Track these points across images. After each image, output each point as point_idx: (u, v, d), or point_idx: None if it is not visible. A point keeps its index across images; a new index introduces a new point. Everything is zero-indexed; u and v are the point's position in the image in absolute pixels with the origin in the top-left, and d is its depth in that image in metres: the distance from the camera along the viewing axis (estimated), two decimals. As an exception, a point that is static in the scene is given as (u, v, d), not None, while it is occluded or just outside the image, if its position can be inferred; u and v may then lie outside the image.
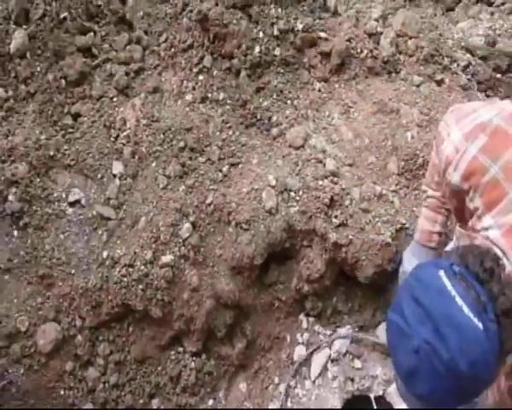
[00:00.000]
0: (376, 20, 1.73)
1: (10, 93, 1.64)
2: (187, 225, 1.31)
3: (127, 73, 1.68)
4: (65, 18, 1.87)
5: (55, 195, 1.37)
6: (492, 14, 1.80)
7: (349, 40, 1.63)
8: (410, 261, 1.08)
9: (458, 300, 0.62)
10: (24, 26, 1.83)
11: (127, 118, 1.48)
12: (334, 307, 1.39)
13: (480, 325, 0.61)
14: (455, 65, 1.59)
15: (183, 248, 1.30)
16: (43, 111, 1.59)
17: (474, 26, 1.71)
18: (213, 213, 1.34)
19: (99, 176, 1.41)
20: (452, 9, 1.88)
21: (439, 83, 1.54)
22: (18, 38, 1.77)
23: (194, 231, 1.32)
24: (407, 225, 1.29)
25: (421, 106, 1.45)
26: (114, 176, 1.41)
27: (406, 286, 0.68)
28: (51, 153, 1.43)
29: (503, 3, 1.82)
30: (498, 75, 1.60)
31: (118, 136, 1.46)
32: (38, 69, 1.68)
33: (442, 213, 1.03)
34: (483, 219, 0.77)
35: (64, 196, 1.38)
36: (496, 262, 0.68)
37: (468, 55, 1.62)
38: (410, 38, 1.65)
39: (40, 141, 1.47)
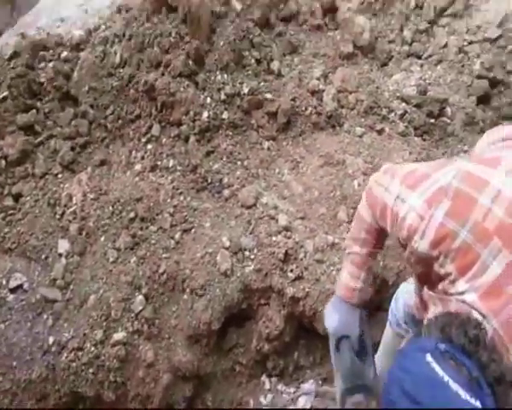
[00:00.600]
0: (318, 78, 2.02)
1: None
2: (139, 298, 1.36)
3: (73, 148, 1.80)
4: (5, 97, 2.04)
5: None
6: (422, 65, 2.16)
7: (293, 99, 1.88)
8: (332, 318, 1.09)
9: (452, 384, 0.64)
10: None
11: (73, 194, 1.57)
12: (295, 362, 1.42)
13: (478, 404, 0.64)
14: (392, 114, 1.86)
15: (136, 322, 1.33)
16: (-19, 196, 1.65)
17: (407, 78, 2.04)
18: (167, 283, 1.39)
19: (43, 257, 1.46)
20: (386, 64, 2.23)
21: (380, 132, 1.78)
22: None
23: (148, 303, 1.36)
24: None
25: (364, 155, 1.66)
26: (60, 255, 1.46)
27: (395, 379, 0.70)
28: (-10, 238, 1.48)
29: (430, 56, 2.20)
30: (432, 120, 1.89)
31: (63, 213, 1.54)
32: (-24, 151, 1.78)
33: (365, 270, 1.08)
34: (457, 284, 0.80)
35: (4, 282, 1.40)
36: (478, 328, 0.72)
37: (404, 104, 1.91)
38: (350, 92, 1.93)
39: (-22, 226, 1.52)
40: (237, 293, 1.35)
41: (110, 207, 1.53)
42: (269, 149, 1.72)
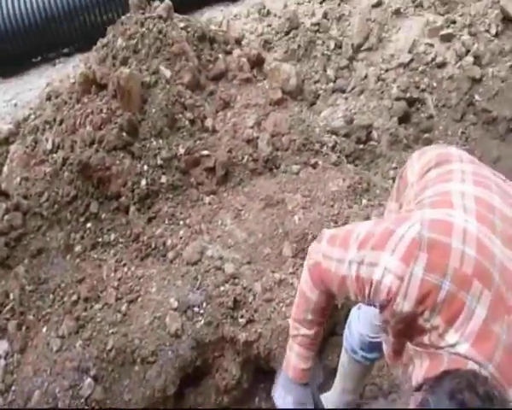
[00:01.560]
0: (251, 127, 2.31)
1: None
2: (88, 382, 1.42)
3: (7, 244, 1.91)
4: None
5: None
6: (347, 98, 2.54)
7: (230, 151, 2.13)
8: (285, 400, 1.11)
9: None
10: None
11: (10, 290, 1.66)
12: (257, 408, 1.48)
13: None
14: (324, 147, 2.15)
15: (86, 408, 1.36)
16: None
17: (334, 112, 2.39)
18: (116, 358, 1.47)
19: None
20: (314, 103, 2.60)
21: (314, 166, 2.04)
22: None
23: (97, 384, 1.42)
24: None
25: (302, 190, 1.89)
26: None
27: None
28: None
29: (353, 88, 2.60)
30: (361, 146, 2.20)
31: (0, 312, 1.61)
32: None
33: (314, 350, 1.11)
34: (446, 337, 0.84)
35: None
36: (485, 382, 0.76)
37: (334, 136, 2.22)
38: (283, 135, 2.22)
39: None
40: (190, 351, 1.44)
41: (51, 295, 1.62)
42: (210, 203, 1.92)
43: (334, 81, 2.66)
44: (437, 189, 1.03)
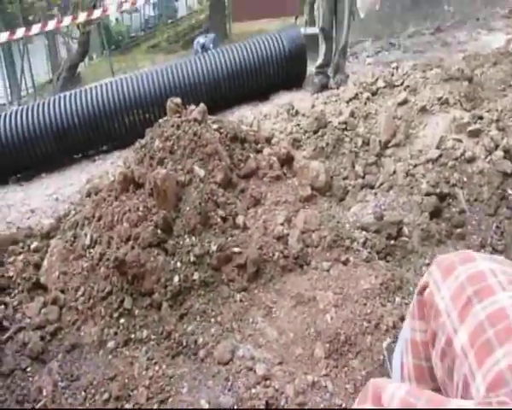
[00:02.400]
0: (282, 224, 2.53)
1: None
2: None
3: (42, 338, 2.10)
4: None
5: None
6: (376, 194, 2.75)
7: (260, 248, 2.33)
8: None
9: None
10: None
11: (43, 386, 1.80)
12: None
13: None
14: (355, 243, 2.31)
15: None
16: None
17: (364, 208, 2.59)
18: None
19: None
20: (343, 199, 2.83)
21: (345, 262, 2.19)
22: None
23: None
24: (343, 405, 1.58)
25: (333, 287, 2.02)
26: None
27: None
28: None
29: (381, 184, 2.83)
30: (392, 241, 2.35)
31: (33, 409, 1.73)
32: None
33: None
34: None
35: None
36: None
37: (364, 232, 2.39)
38: (313, 231, 2.42)
39: None
40: (220, 458, 1.48)
41: (82, 393, 1.75)
42: (241, 300, 2.07)
43: (363, 177, 2.92)
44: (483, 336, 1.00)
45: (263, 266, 2.21)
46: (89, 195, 3.42)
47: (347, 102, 4.32)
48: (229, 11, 11.93)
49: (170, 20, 18.25)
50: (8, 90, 8.92)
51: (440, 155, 2.84)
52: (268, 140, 3.72)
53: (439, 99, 3.76)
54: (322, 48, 5.44)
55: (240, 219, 2.68)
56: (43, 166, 4.83)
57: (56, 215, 3.36)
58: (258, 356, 1.79)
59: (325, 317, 1.89)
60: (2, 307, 2.26)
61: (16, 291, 2.37)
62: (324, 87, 5.47)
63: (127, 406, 1.71)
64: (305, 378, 1.68)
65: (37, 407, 1.72)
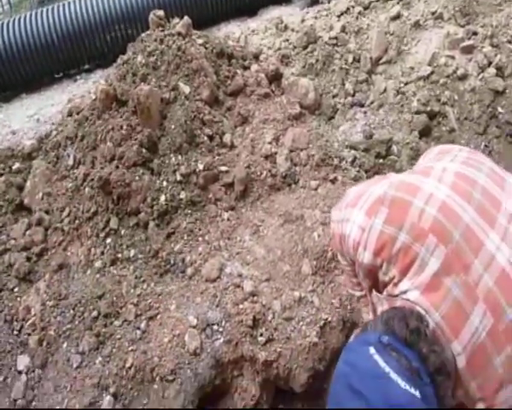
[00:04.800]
0: (270, 143, 2.34)
1: None
2: (107, 399, 1.43)
3: (28, 258, 1.98)
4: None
5: None
6: (365, 112, 2.54)
7: (248, 166, 2.16)
8: None
9: (393, 375, 0.74)
10: None
11: (31, 305, 1.71)
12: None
13: (418, 393, 0.74)
14: (343, 162, 2.15)
15: None
16: None
17: (353, 126, 2.39)
18: (135, 376, 1.49)
19: (1, 378, 1.55)
20: (333, 118, 2.61)
21: (333, 181, 2.05)
22: None
23: (117, 401, 1.44)
24: (329, 319, 1.54)
25: (321, 206, 1.90)
26: (20, 372, 1.56)
27: (341, 375, 0.80)
28: None
29: (372, 102, 2.60)
30: (381, 160, 2.20)
31: (22, 327, 1.66)
32: None
33: None
34: (400, 285, 0.93)
35: None
36: (420, 321, 0.85)
37: (353, 151, 2.22)
38: (302, 150, 2.24)
39: None
40: (209, 370, 1.45)
41: (71, 311, 1.66)
42: (229, 219, 1.94)
43: (353, 95, 2.67)
44: (424, 164, 1.13)
45: (250, 185, 2.06)
46: (70, 114, 3.12)
47: (338, 17, 3.88)
48: None
49: None
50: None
51: (432, 73, 2.59)
52: (256, 56, 3.37)
53: (433, 13, 3.38)
54: (314, -44, 4.80)
55: (227, 138, 2.46)
56: (22, 86, 4.39)
57: (37, 136, 3.07)
58: (245, 273, 1.71)
59: (312, 235, 1.79)
60: (-14, 229, 2.10)
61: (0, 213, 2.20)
62: (315, 2, 4.93)
63: (116, 322, 1.65)
64: (291, 294, 1.62)
65: (27, 325, 1.65)
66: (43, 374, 1.53)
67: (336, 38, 3.39)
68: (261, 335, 1.52)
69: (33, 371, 1.54)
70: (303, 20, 4.03)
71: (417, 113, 2.36)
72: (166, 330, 1.56)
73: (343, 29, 3.51)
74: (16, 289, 1.80)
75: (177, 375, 1.45)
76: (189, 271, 1.77)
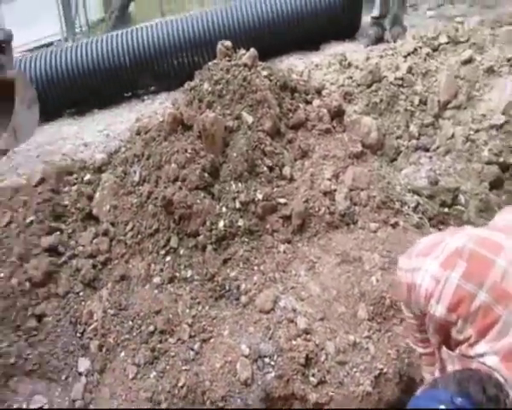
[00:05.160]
0: (329, 179, 2.38)
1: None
2: None
3: (94, 266, 2.13)
4: (31, 222, 2.48)
5: (15, 406, 1.58)
6: (431, 157, 2.52)
7: (306, 201, 2.21)
8: None
9: None
10: None
11: (94, 310, 1.84)
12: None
13: None
14: (405, 207, 2.14)
15: None
16: (5, 318, 1.94)
17: (417, 171, 2.38)
18: (187, 396, 1.54)
19: (63, 377, 1.67)
20: (395, 159, 2.61)
21: (394, 226, 2.04)
22: None
23: None
24: (385, 370, 1.51)
25: (380, 250, 1.89)
26: (80, 374, 1.67)
27: None
28: (12, 360, 1.72)
29: (438, 147, 2.57)
30: (446, 209, 2.15)
31: (84, 331, 1.79)
32: (2, 275, 2.13)
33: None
34: (476, 347, 0.90)
35: (25, 405, 1.59)
36: (499, 389, 0.81)
37: (416, 197, 2.20)
38: (362, 189, 2.25)
39: (1, 349, 1.76)
40: (259, 402, 1.47)
41: (130, 322, 1.77)
42: (285, 251, 1.99)
43: (418, 138, 2.67)
44: (504, 222, 1.12)
45: (308, 220, 2.11)
46: (138, 133, 3.36)
47: (405, 57, 3.91)
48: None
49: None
50: (64, 27, 8.88)
51: (506, 122, 2.53)
52: (318, 91, 3.47)
53: (509, 60, 3.32)
54: (380, -4, 4.88)
55: (287, 170, 2.55)
56: (94, 102, 4.80)
57: (107, 150, 3.34)
58: (299, 309, 1.73)
59: (370, 279, 1.78)
60: (58, 233, 2.30)
61: (70, 220, 2.40)
62: (379, 40, 4.98)
63: (171, 340, 1.72)
64: (346, 338, 1.62)
65: (89, 329, 1.78)
66: (101, 379, 1.63)
67: (402, 78, 3.42)
68: (313, 375, 1.52)
69: (92, 375, 1.65)
70: (367, 58, 4.10)
71: (488, 163, 2.30)
72: (219, 355, 1.61)
73: (409, 70, 3.53)
74: (81, 294, 1.95)
75: (227, 402, 1.49)
76: (244, 299, 1.82)
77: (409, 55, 3.88)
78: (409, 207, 2.14)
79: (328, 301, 1.75)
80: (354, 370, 1.54)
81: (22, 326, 1.87)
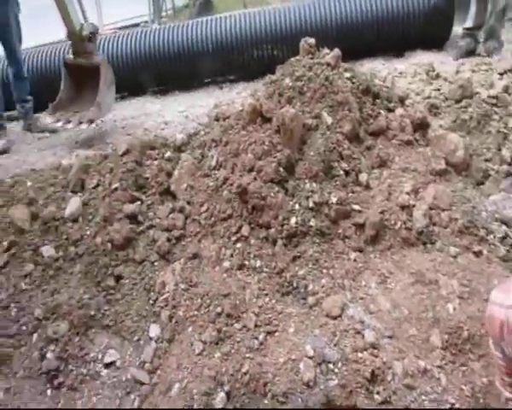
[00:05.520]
0: (408, 193, 2.28)
1: (60, 253, 2.23)
2: (221, 395, 1.54)
3: (169, 239, 2.24)
4: (116, 188, 2.64)
5: (92, 355, 1.72)
6: (524, 187, 2.31)
7: (382, 212, 2.14)
8: None
9: None
10: (79, 194, 2.60)
11: (166, 282, 1.93)
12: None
13: None
14: (491, 236, 1.99)
15: None
16: (88, 272, 2.10)
17: (507, 199, 2.20)
18: (249, 384, 1.57)
19: (135, 338, 1.77)
20: (482, 183, 2.43)
21: (477, 254, 1.91)
22: (73, 203, 2.49)
23: (229, 401, 1.54)
24: (456, 406, 1.42)
25: (460, 277, 1.78)
26: (151, 339, 1.76)
27: None
28: (92, 312, 1.86)
29: (533, 179, 2.36)
30: None
31: (156, 299, 1.88)
32: (88, 233, 2.30)
33: None
34: None
35: (100, 356, 1.71)
36: None
37: (504, 227, 2.04)
38: (443, 210, 2.14)
39: (83, 300, 1.92)
40: (320, 405, 1.46)
41: (199, 300, 1.83)
42: (355, 260, 1.94)
43: (510, 164, 2.47)
44: None
45: (382, 232, 2.04)
46: (217, 119, 3.44)
47: (501, 75, 3.63)
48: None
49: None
50: (152, 8, 9.33)
51: None
52: (402, 100, 3.32)
53: None
54: (475, 7, 4.48)
55: (363, 177, 2.48)
56: (176, 83, 4.99)
57: (186, 131, 3.46)
58: (368, 322, 1.69)
59: (447, 305, 1.70)
60: (139, 203, 2.44)
61: (150, 192, 2.53)
62: (470, 53, 4.64)
63: (236, 325, 1.77)
64: (416, 362, 1.56)
65: (161, 298, 1.87)
66: (169, 348, 1.72)
67: (496, 97, 3.18)
68: (378, 393, 1.49)
69: (161, 342, 1.75)
70: (458, 72, 3.86)
71: None
72: (283, 350, 1.63)
73: (506, 89, 3.28)
74: (156, 264, 2.06)
75: (288, 399, 1.50)
76: (311, 300, 1.82)
77: (505, 72, 3.60)
78: (495, 236, 2.00)
79: (399, 320, 1.70)
80: (423, 397, 1.48)
81: (102, 283, 2.02)
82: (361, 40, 4.82)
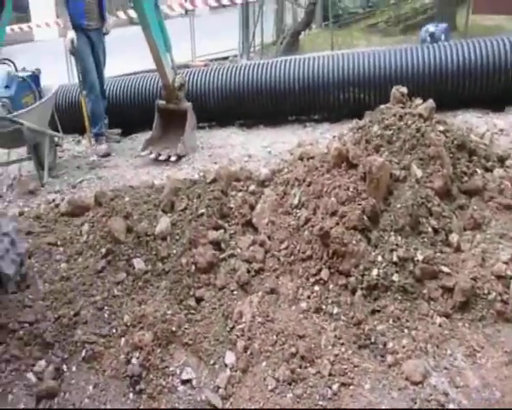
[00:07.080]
0: (505, 262, 2.13)
1: (149, 267, 2.42)
2: None
3: (248, 271, 2.33)
4: (202, 213, 2.83)
5: (171, 369, 1.83)
6: None
7: (474, 279, 2.02)
8: None
9: None
10: (169, 214, 2.82)
11: (244, 312, 2.00)
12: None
13: None
14: None
15: None
16: (172, 289, 2.25)
17: None
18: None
19: (211, 361, 1.86)
20: None
21: None
22: (163, 222, 2.71)
23: None
24: None
25: None
26: (226, 365, 1.83)
27: None
28: (174, 328, 1.98)
29: None
30: None
31: (233, 327, 1.96)
32: (174, 252, 2.48)
33: None
34: None
35: (178, 372, 1.81)
36: None
37: None
38: (547, 287, 1.96)
39: (166, 315, 2.06)
40: None
41: (274, 336, 1.87)
42: (441, 325, 1.86)
43: None
44: None
45: (473, 301, 1.94)
46: (301, 158, 3.54)
47: None
48: (468, 1, 10.41)
49: (392, 1, 17.01)
50: (241, 44, 10.05)
51: None
52: (501, 160, 3.17)
53: None
54: None
55: (453, 238, 2.39)
56: (261, 118, 5.25)
57: (268, 166, 3.62)
58: (453, 396, 1.60)
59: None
60: (222, 230, 2.59)
61: (233, 222, 2.67)
62: None
63: (310, 369, 1.77)
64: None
65: (237, 327, 1.94)
66: (243, 378, 1.77)
67: None
68: None
69: (235, 371, 1.80)
70: None
71: None
72: (357, 405, 1.59)
73: None
74: (235, 292, 2.16)
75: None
76: (389, 358, 1.77)
77: None
78: None
79: (489, 401, 1.57)
80: None
81: (184, 302, 2.15)
82: (456, 90, 4.69)
